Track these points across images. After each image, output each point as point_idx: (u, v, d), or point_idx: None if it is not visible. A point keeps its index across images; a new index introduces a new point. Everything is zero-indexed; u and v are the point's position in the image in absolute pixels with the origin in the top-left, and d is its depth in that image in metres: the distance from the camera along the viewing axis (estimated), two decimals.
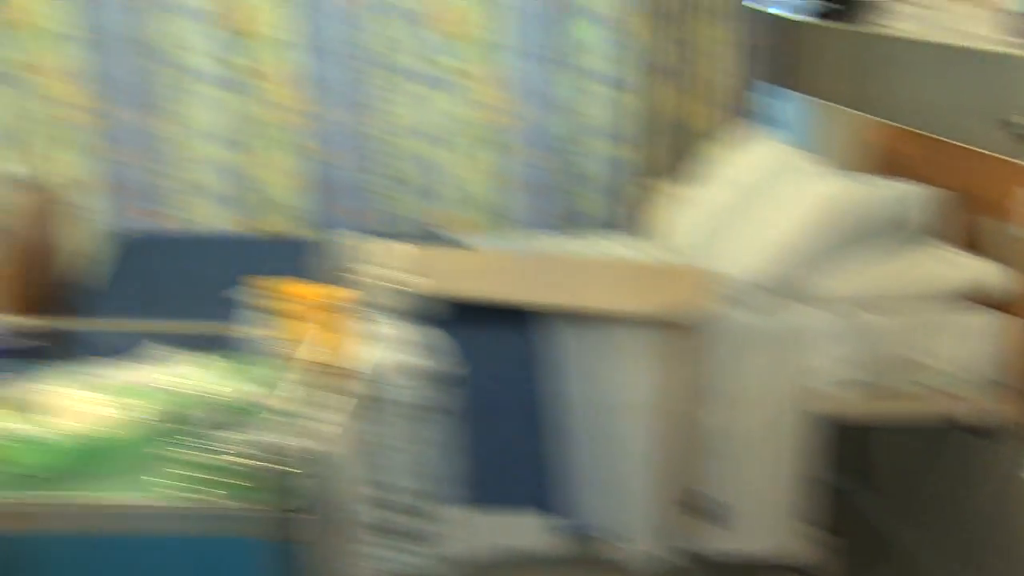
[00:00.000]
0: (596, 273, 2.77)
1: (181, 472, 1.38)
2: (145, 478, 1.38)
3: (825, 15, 3.30)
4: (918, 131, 2.75)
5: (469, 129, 3.49)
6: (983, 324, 2.49)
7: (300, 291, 1.71)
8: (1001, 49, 2.39)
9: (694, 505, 2.48)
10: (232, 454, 1.37)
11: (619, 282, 2.73)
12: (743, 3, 3.44)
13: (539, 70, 3.46)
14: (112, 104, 3.31)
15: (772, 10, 3.58)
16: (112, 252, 3.04)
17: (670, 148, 3.56)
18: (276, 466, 1.33)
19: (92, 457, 1.43)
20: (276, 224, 3.44)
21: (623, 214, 3.58)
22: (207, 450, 1.41)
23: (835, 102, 3.19)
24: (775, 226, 2.66)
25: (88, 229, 3.30)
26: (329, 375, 1.59)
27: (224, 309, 1.88)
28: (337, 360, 1.64)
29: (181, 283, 2.75)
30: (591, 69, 3.52)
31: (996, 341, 2.48)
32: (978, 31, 2.60)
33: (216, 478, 1.36)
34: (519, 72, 3.46)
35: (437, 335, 2.23)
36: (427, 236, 3.21)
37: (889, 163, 3.00)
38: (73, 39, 3.25)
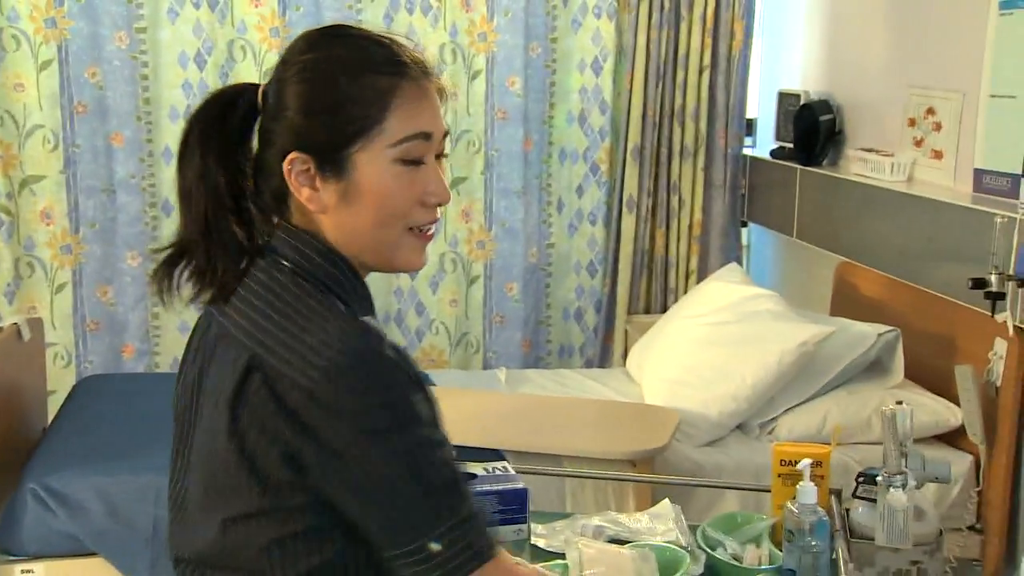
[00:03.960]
0: (566, 415, 2.76)
1: None
2: None
3: (785, 157, 3.42)
4: (889, 276, 2.85)
5: (448, 263, 3.54)
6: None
7: None
8: (970, 205, 2.51)
9: None
10: None
11: (590, 424, 2.71)
12: (720, 144, 3.57)
13: (519, 205, 3.53)
14: None
15: (749, 151, 3.70)
16: None
17: (646, 283, 3.64)
18: None
19: None
20: None
21: (599, 347, 3.63)
22: None
23: (809, 242, 3.29)
24: (743, 367, 2.71)
25: None
26: None
27: None
28: None
29: None
30: (571, 204, 3.62)
31: (962, 483, 2.54)
32: (944, 183, 2.72)
33: None
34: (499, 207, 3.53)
35: None
36: None
37: (859, 304, 3.08)
38: None
